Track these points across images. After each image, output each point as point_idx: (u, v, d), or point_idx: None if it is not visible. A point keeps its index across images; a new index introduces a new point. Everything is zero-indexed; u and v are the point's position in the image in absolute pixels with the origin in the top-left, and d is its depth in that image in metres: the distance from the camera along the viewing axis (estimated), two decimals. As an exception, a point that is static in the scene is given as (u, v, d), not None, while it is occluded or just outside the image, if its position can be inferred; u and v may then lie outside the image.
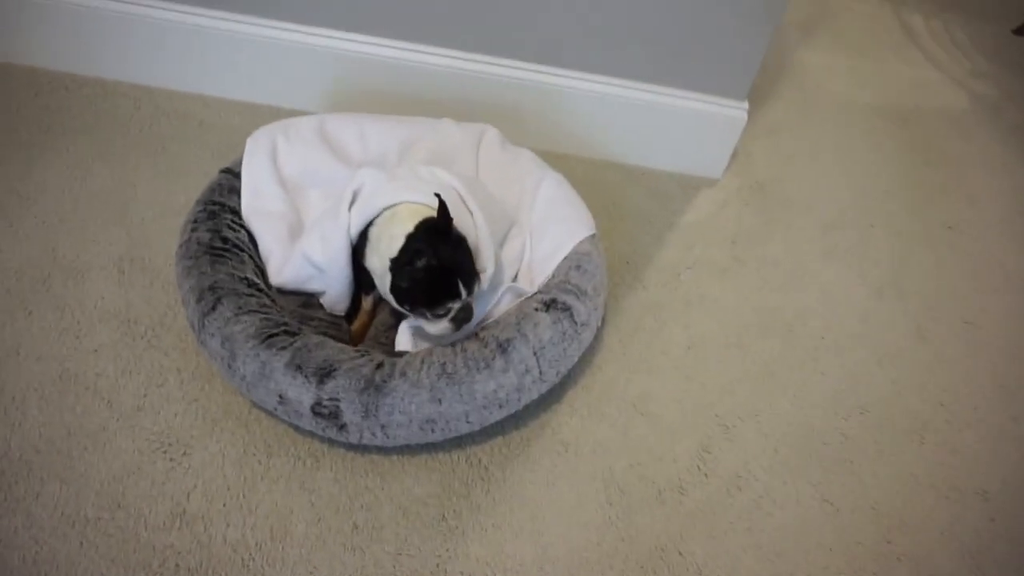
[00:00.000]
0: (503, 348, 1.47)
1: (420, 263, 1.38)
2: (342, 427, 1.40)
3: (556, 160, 1.89)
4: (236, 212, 1.64)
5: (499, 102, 2.13)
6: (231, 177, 1.69)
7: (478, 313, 1.53)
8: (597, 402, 1.70)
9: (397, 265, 1.41)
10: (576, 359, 1.58)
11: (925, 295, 2.07)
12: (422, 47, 2.07)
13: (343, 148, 1.78)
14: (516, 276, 1.69)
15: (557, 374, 1.54)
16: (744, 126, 2.18)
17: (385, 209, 1.50)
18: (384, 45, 2.07)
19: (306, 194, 1.73)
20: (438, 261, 1.39)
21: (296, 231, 1.66)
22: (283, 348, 1.41)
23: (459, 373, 1.43)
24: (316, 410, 1.39)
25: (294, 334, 1.46)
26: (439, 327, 1.44)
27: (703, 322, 1.91)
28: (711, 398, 1.75)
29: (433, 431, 1.43)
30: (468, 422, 1.45)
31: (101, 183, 1.94)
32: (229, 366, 1.42)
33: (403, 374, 1.42)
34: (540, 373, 1.50)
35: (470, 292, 1.41)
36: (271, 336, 1.43)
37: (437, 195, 1.39)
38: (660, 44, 2.03)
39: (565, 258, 1.67)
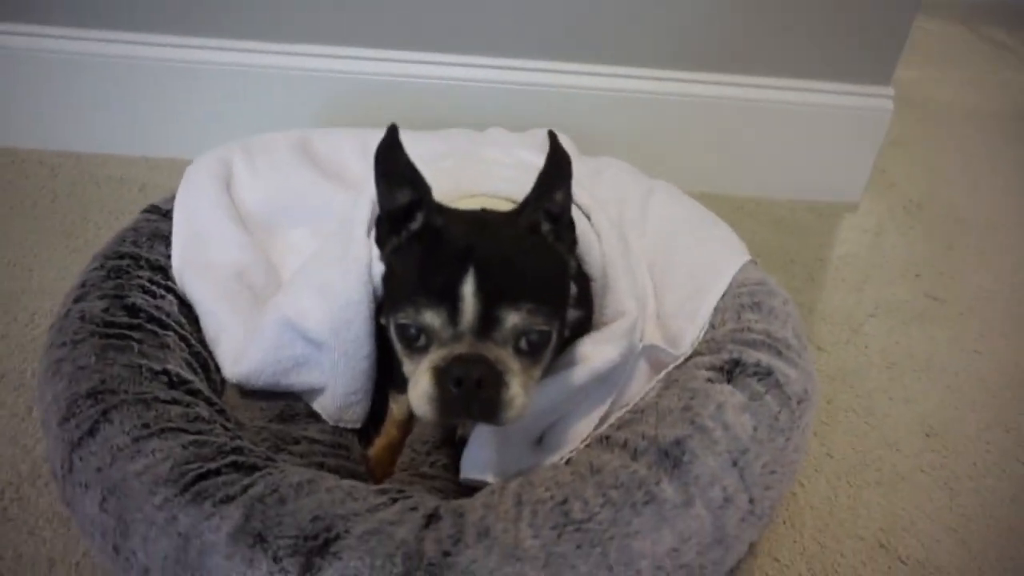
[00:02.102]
0: (673, 459, 0.71)
1: (415, 225, 0.72)
2: (361, 664, 0.60)
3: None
4: (161, 269, 0.92)
5: (550, 121, 1.45)
6: (157, 218, 0.98)
7: (550, 405, 0.78)
8: (818, 545, 0.90)
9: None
10: (798, 466, 0.80)
11: None
12: (438, 56, 1.43)
13: (340, 169, 1.08)
14: (642, 333, 0.94)
15: (777, 497, 0.75)
16: (890, 120, 1.50)
17: None
18: (387, 59, 1.43)
19: (283, 236, 1.01)
20: (448, 232, 0.70)
21: (267, 292, 0.93)
22: (227, 500, 0.64)
23: (599, 518, 0.65)
24: (302, 633, 0.60)
25: (253, 469, 0.69)
26: (416, 382, 0.67)
27: (929, 393, 1.15)
28: (1004, 518, 0.95)
29: (556, 651, 0.63)
30: (627, 622, 0.65)
31: (-21, 271, 1.22)
32: (116, 549, 0.64)
33: (484, 532, 0.64)
34: (751, 502, 0.71)
35: (493, 321, 0.65)
36: (203, 477, 0.66)
37: (550, 132, 0.74)
38: (771, 19, 1.38)
39: (723, 296, 0.93)
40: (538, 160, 0.92)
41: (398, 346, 0.69)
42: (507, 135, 1.17)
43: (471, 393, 0.64)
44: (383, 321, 0.73)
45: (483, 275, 0.64)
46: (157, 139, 1.51)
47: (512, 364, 0.66)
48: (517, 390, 0.65)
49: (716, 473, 0.71)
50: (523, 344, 0.67)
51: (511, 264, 0.68)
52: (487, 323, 0.64)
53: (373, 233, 0.83)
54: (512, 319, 0.65)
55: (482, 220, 0.74)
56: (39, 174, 1.47)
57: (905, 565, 0.90)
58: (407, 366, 0.69)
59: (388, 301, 0.72)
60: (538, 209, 0.73)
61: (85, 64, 1.43)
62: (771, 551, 0.89)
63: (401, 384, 0.90)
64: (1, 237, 1.30)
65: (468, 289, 0.64)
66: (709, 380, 0.80)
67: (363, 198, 0.87)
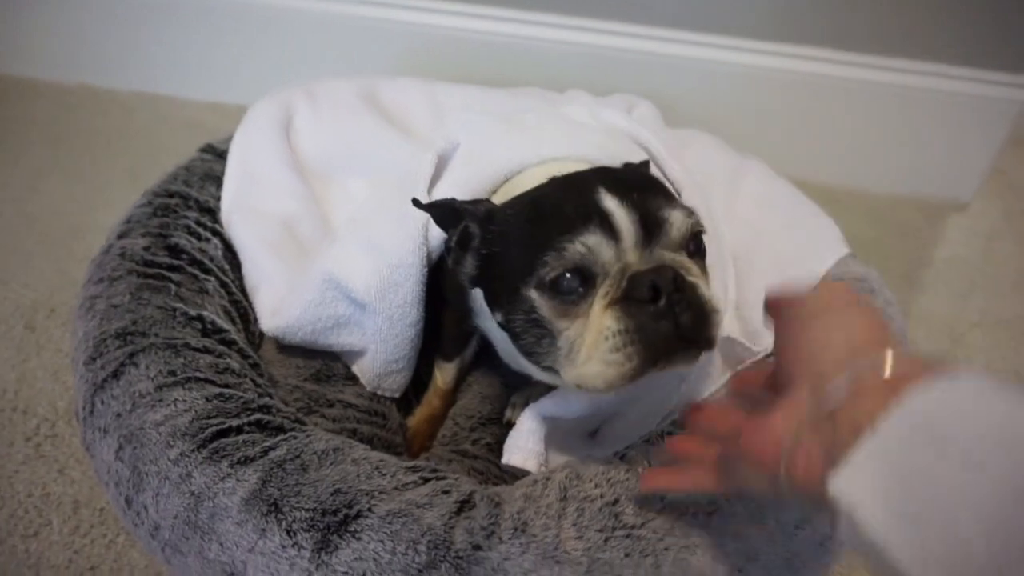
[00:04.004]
0: (745, 465, 0.61)
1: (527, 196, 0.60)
2: (375, 656, 0.54)
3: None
4: (210, 211, 0.87)
5: (633, 87, 1.34)
6: (212, 158, 0.93)
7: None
8: None
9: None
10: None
11: None
12: (518, 13, 1.34)
13: (405, 121, 1.01)
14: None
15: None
16: (1019, 113, 1.33)
17: (507, 180, 0.71)
18: (466, 14, 1.35)
19: (340, 186, 0.95)
20: (566, 178, 0.59)
21: (315, 245, 0.87)
22: (244, 461, 0.59)
23: (653, 524, 0.57)
24: (311, 617, 0.54)
25: (277, 431, 0.63)
26: (593, 336, 0.53)
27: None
28: None
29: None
30: (677, 648, 0.56)
31: (46, 204, 1.22)
32: (128, 501, 0.60)
33: (522, 528, 0.56)
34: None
35: (655, 223, 0.53)
36: (223, 434, 0.61)
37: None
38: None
39: (815, 289, 0.82)
40: (626, 124, 0.83)
41: (552, 316, 0.53)
42: (589, 97, 1.08)
43: (675, 305, 0.49)
44: (499, 321, 0.60)
45: (620, 190, 0.52)
46: (230, 86, 1.48)
47: (693, 268, 0.54)
48: (711, 291, 0.53)
49: (794, 488, 0.61)
50: (691, 247, 0.55)
51: (643, 186, 0.56)
52: (649, 229, 0.52)
53: (438, 188, 0.76)
54: (676, 216, 0.53)
55: (577, 172, 0.62)
56: (114, 113, 1.46)
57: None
58: (561, 325, 0.53)
59: (507, 285, 0.56)
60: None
61: (165, 6, 1.40)
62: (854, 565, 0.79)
63: (448, 353, 0.83)
64: (71, 173, 1.30)
65: (612, 203, 0.52)
66: (793, 381, 0.69)
67: (426, 154, 0.80)
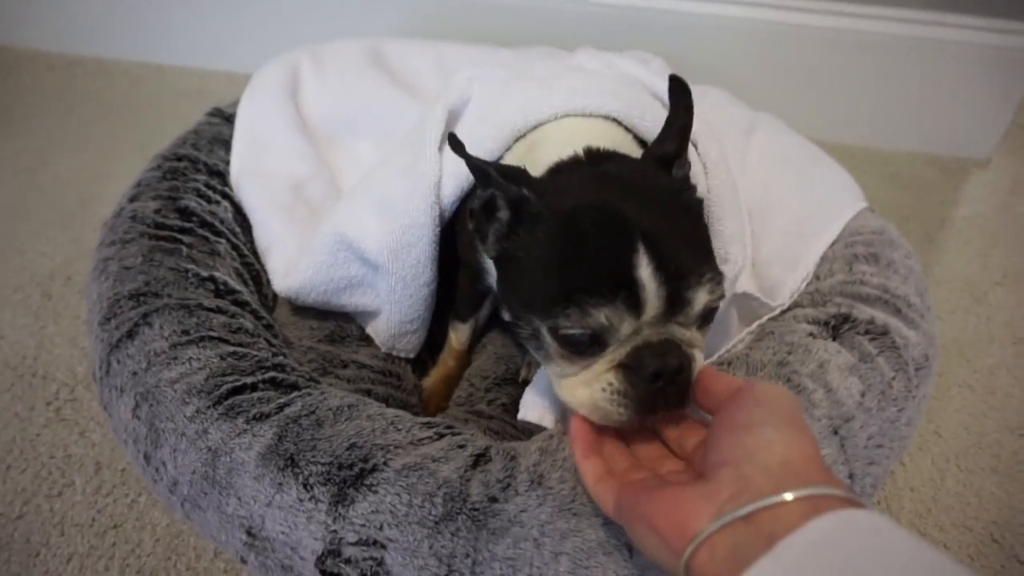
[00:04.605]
0: (762, 417, 0.60)
1: (562, 200, 0.56)
2: (393, 608, 0.54)
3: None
4: (219, 174, 0.86)
5: (644, 46, 1.31)
6: (220, 122, 0.93)
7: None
8: (917, 532, 0.79)
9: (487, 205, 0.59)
10: (909, 442, 0.68)
11: None
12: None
13: (412, 81, 0.99)
14: (735, 280, 0.82)
15: (881, 475, 0.64)
16: (1043, 66, 1.29)
17: (520, 137, 0.69)
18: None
19: (348, 148, 0.94)
20: (602, 202, 0.55)
21: (324, 206, 0.86)
22: (260, 417, 0.59)
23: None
24: (328, 568, 0.54)
25: (292, 388, 0.63)
26: (594, 383, 0.54)
27: (1063, 373, 0.98)
28: None
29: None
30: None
31: (57, 174, 1.22)
32: (147, 458, 0.60)
33: (538, 480, 0.56)
34: (850, 478, 0.61)
35: (679, 303, 0.52)
36: (238, 391, 0.61)
37: (674, 77, 0.59)
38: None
39: (833, 244, 0.81)
40: (641, 73, 0.81)
41: (556, 355, 0.55)
42: (596, 53, 1.05)
43: (671, 383, 0.52)
44: (507, 317, 0.60)
45: (657, 250, 0.51)
46: (238, 54, 1.47)
47: (697, 340, 0.55)
48: (701, 362, 0.55)
49: (812, 440, 0.60)
50: (703, 319, 0.55)
51: (678, 229, 0.54)
52: (672, 305, 0.52)
53: (446, 149, 0.74)
54: (701, 298, 0.53)
55: (612, 177, 0.59)
56: (122, 83, 1.45)
57: (1023, 565, 0.77)
58: (564, 368, 0.55)
59: (521, 303, 0.57)
60: (665, 151, 0.60)
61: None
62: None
63: (462, 313, 0.83)
64: (80, 143, 1.30)
65: (646, 272, 0.50)
66: (811, 335, 0.68)
67: (436, 110, 0.78)
